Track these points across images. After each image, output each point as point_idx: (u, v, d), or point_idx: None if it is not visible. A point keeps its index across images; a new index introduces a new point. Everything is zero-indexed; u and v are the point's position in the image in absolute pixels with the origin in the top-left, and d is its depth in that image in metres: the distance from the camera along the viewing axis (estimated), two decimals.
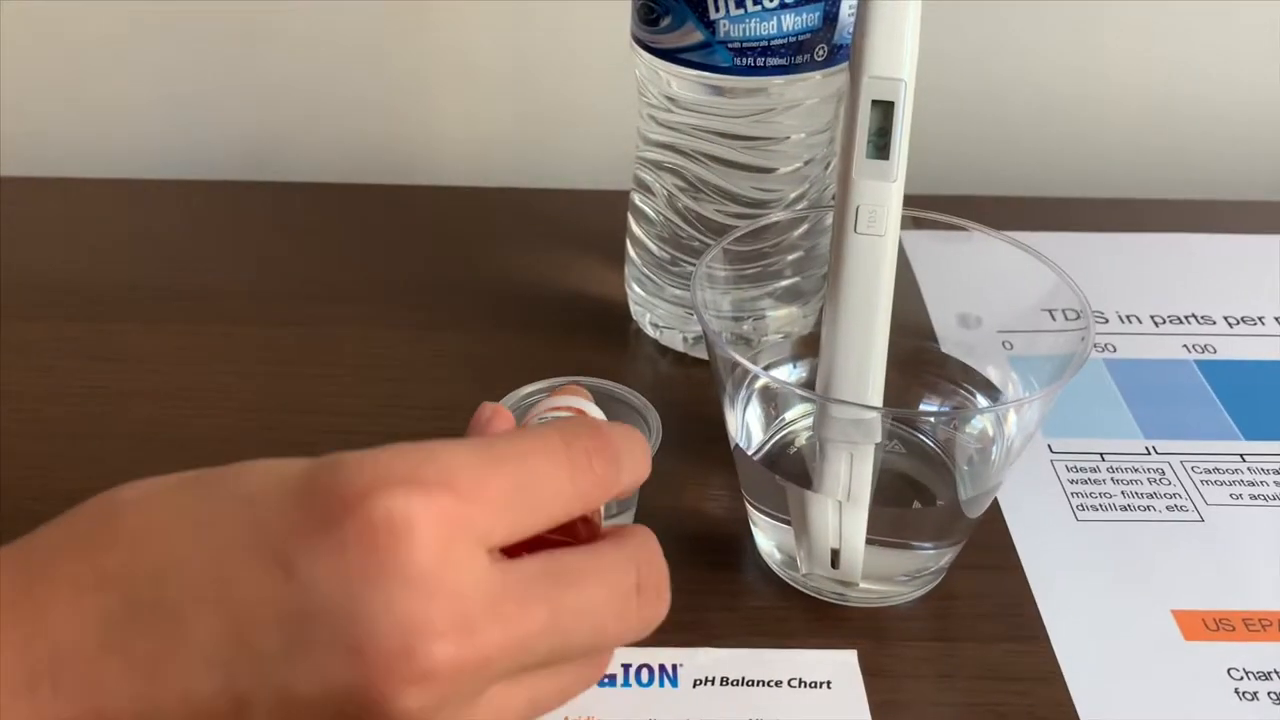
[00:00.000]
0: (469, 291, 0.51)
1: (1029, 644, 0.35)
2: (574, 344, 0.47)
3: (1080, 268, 0.38)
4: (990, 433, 0.38)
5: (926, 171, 0.45)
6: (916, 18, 0.32)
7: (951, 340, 0.41)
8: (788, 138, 0.43)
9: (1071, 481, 0.41)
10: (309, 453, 0.41)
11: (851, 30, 0.35)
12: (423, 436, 0.42)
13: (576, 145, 0.62)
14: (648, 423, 0.38)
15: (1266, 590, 0.37)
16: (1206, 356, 0.47)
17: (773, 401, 0.39)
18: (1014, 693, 0.34)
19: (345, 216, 0.56)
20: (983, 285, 0.41)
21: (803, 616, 0.36)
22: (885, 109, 0.32)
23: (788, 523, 0.36)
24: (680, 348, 0.47)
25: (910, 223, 0.38)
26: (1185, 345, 0.48)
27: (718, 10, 0.39)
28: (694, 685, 0.33)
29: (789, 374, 0.41)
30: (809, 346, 0.39)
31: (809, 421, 0.37)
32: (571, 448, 0.24)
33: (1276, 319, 0.50)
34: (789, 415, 0.39)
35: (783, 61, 0.40)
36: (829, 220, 0.34)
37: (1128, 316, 0.50)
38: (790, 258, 0.44)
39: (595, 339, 0.48)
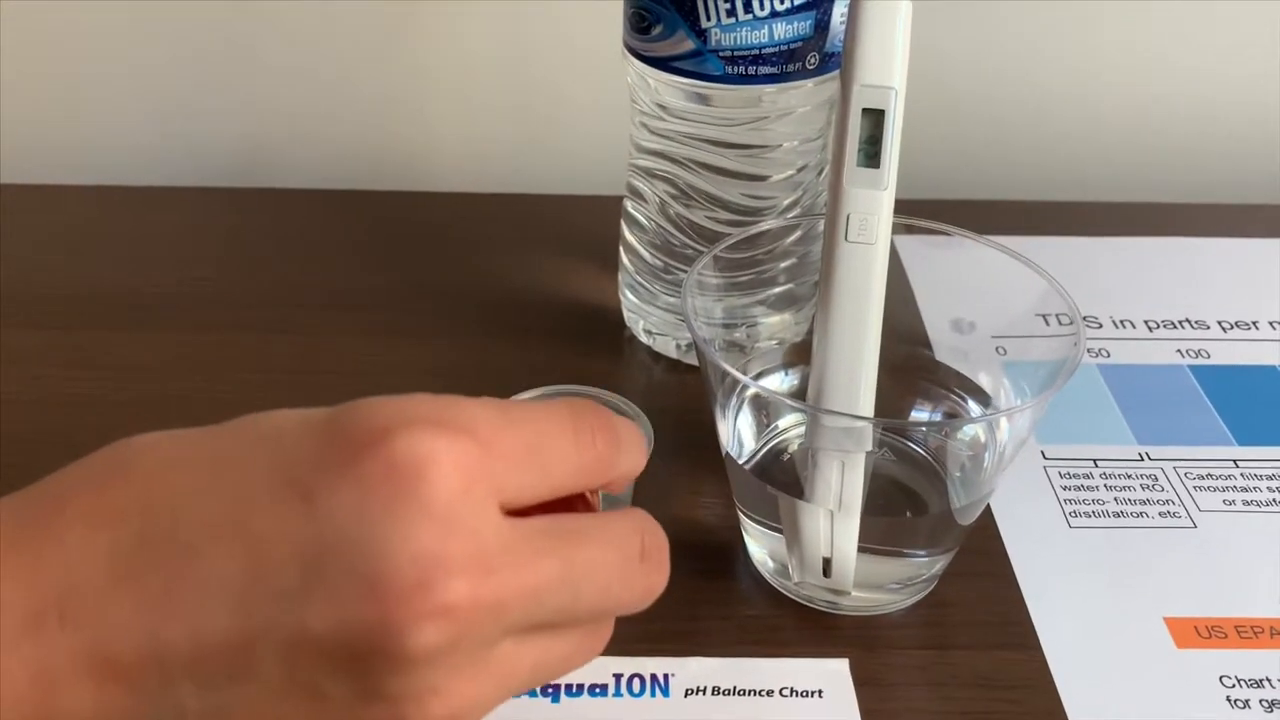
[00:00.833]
0: (463, 298, 0.51)
1: (1021, 651, 0.35)
2: (567, 351, 0.47)
3: (1074, 272, 0.38)
4: (982, 440, 0.37)
5: (919, 175, 0.45)
6: (907, 26, 0.32)
7: (945, 345, 0.41)
8: (780, 145, 0.43)
9: (1064, 488, 0.41)
10: None
11: (843, 38, 0.35)
12: None
13: (570, 151, 0.62)
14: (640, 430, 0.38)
15: (1259, 597, 0.37)
16: (1200, 361, 0.47)
17: (764, 410, 0.39)
18: (1006, 700, 0.34)
19: (340, 223, 0.56)
20: (976, 291, 0.41)
21: (795, 625, 0.36)
22: (876, 117, 0.32)
23: (780, 531, 0.36)
24: (673, 355, 0.47)
25: (903, 229, 0.38)
26: (1179, 350, 0.48)
27: (709, 19, 0.39)
28: (685, 695, 0.33)
29: (780, 382, 0.41)
30: (801, 354, 0.39)
31: (800, 430, 0.37)
32: (578, 422, 0.25)
33: (1271, 323, 0.50)
34: (781, 423, 0.39)
35: (774, 70, 0.40)
36: (821, 227, 0.34)
37: (1122, 321, 0.50)
38: (783, 265, 0.44)
39: (588, 346, 0.48)
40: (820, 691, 0.33)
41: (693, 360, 0.47)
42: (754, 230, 0.40)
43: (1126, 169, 0.63)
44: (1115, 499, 0.41)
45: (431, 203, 0.58)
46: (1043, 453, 0.43)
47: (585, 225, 0.54)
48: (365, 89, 0.61)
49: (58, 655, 0.21)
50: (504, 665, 0.23)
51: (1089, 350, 0.48)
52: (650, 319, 0.47)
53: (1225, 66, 0.60)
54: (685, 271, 0.42)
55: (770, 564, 0.37)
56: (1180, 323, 0.50)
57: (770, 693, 0.33)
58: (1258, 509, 0.40)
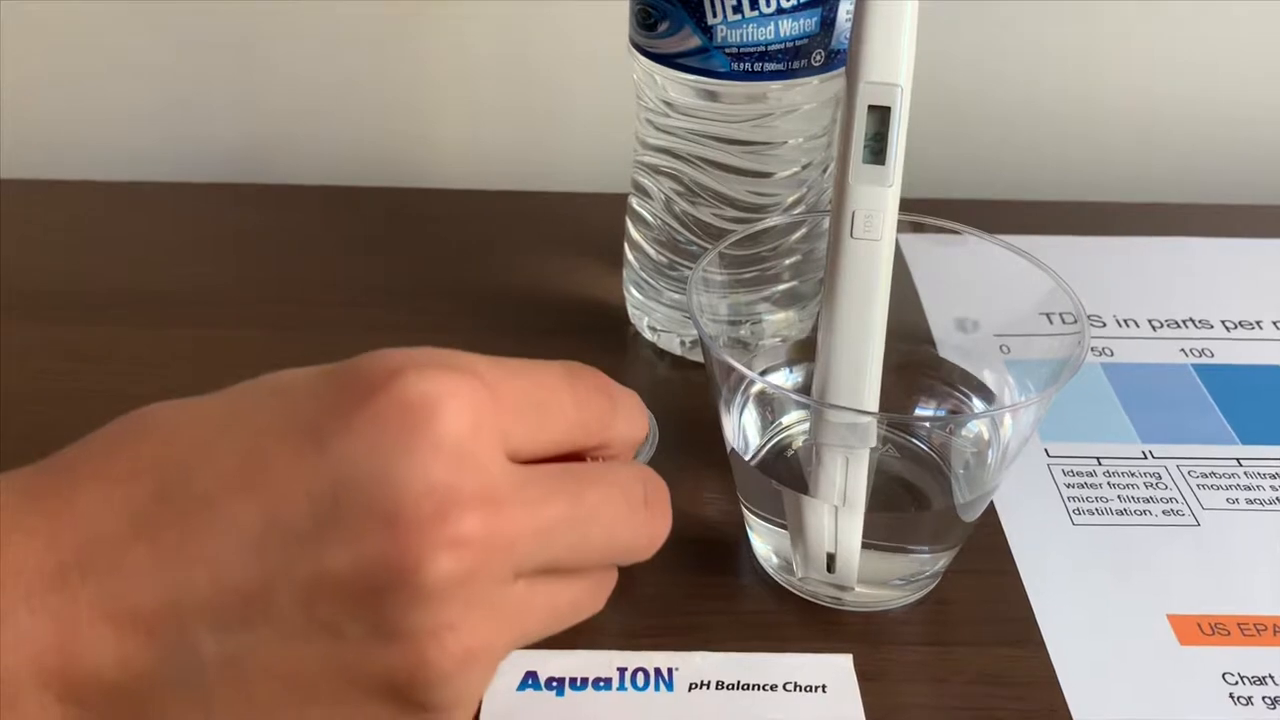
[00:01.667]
0: (466, 295, 0.51)
1: (1024, 648, 0.35)
2: (571, 347, 0.47)
3: (1078, 271, 0.38)
4: (986, 436, 0.38)
5: (924, 175, 0.45)
6: (913, 23, 0.32)
7: (949, 344, 0.41)
8: (785, 142, 0.43)
9: (1068, 485, 0.41)
10: None
11: (849, 35, 0.35)
12: None
13: (574, 149, 0.62)
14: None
15: (1262, 595, 0.37)
16: (1204, 361, 0.47)
17: (769, 406, 0.39)
18: (1009, 697, 0.34)
19: (344, 220, 0.56)
20: (980, 289, 0.41)
21: (798, 620, 0.36)
22: (882, 114, 0.32)
23: (784, 527, 0.36)
24: (678, 351, 0.47)
25: (908, 227, 0.38)
26: (1183, 349, 0.48)
27: (715, 15, 0.40)
28: (689, 689, 0.33)
29: (785, 378, 0.41)
30: (805, 351, 0.39)
31: (805, 426, 0.37)
32: (574, 380, 0.25)
33: (1274, 323, 0.50)
34: (785, 420, 0.39)
35: (780, 67, 0.40)
36: (826, 224, 0.34)
37: (1125, 320, 0.50)
38: (788, 262, 0.44)
39: (592, 342, 0.48)
40: (824, 686, 0.33)
41: (696, 357, 0.47)
42: (759, 227, 0.40)
43: (1131, 169, 0.63)
44: (1119, 497, 0.41)
45: (436, 199, 0.58)
46: (1046, 450, 0.43)
47: (590, 222, 0.54)
48: (370, 85, 0.61)
49: (79, 607, 0.21)
50: (517, 606, 0.23)
51: (1093, 349, 0.48)
52: (655, 316, 0.47)
53: (1232, 66, 0.60)
54: (689, 268, 0.42)
55: (774, 560, 0.37)
56: (1184, 322, 0.50)
57: (774, 687, 0.33)
58: (1261, 507, 0.40)
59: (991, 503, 0.40)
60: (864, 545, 0.35)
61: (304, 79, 0.61)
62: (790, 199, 0.44)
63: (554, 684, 0.33)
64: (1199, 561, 0.38)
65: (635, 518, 0.25)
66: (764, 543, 0.38)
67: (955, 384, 0.40)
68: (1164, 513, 0.40)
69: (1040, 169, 0.63)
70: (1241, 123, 0.62)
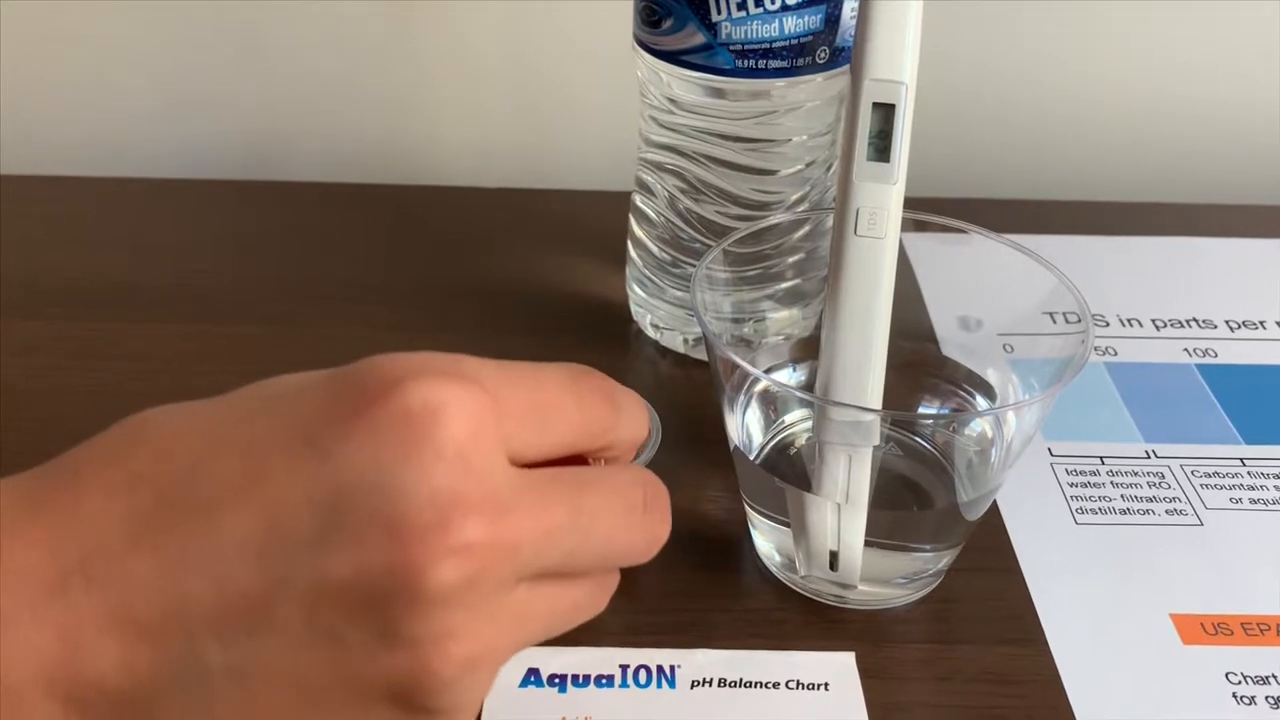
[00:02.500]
0: (468, 292, 0.51)
1: (1027, 647, 0.35)
2: (574, 345, 0.47)
3: (1082, 271, 0.38)
4: (989, 435, 0.38)
5: (927, 174, 0.45)
6: (918, 21, 0.32)
7: (952, 343, 0.41)
8: (789, 140, 0.43)
9: (1071, 485, 0.41)
10: None
11: (853, 33, 0.35)
12: None
13: (577, 146, 0.62)
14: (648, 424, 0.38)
15: (1265, 595, 0.37)
16: (1207, 360, 0.47)
17: (772, 404, 0.39)
18: (1012, 696, 0.34)
19: (345, 216, 0.56)
20: (984, 288, 0.41)
21: (801, 618, 0.36)
22: (886, 112, 0.32)
23: (787, 525, 0.36)
24: (680, 349, 0.47)
25: (911, 225, 0.38)
26: (1186, 349, 0.48)
27: (719, 12, 0.39)
28: (691, 686, 0.33)
29: (788, 376, 0.41)
30: (809, 349, 0.39)
31: (808, 424, 0.37)
32: (579, 384, 0.26)
33: (1278, 323, 0.50)
34: (788, 418, 0.39)
35: (784, 64, 0.40)
36: (830, 222, 0.34)
37: (1129, 320, 0.50)
38: (791, 260, 0.44)
39: (595, 340, 0.48)
40: (826, 684, 0.33)
41: (700, 355, 0.47)
42: (762, 224, 0.40)
43: (1134, 168, 0.63)
44: (1122, 496, 0.41)
45: (438, 197, 0.58)
46: (1050, 449, 0.43)
47: (593, 220, 0.54)
48: (372, 82, 0.61)
49: (83, 616, 0.21)
50: (519, 610, 0.24)
51: (1096, 348, 0.48)
52: (658, 313, 0.47)
53: (1235, 66, 0.60)
54: (693, 266, 0.42)
55: (777, 558, 0.37)
56: (1187, 322, 0.49)
57: (776, 685, 0.33)
58: (1264, 507, 0.40)
59: (994, 501, 0.40)
60: (867, 543, 0.35)
61: (305, 76, 0.60)
62: (794, 196, 0.44)
63: (556, 681, 0.33)
64: (1202, 561, 0.38)
65: (634, 521, 0.25)
66: (767, 540, 0.38)
67: (958, 382, 0.40)
68: (1167, 512, 0.40)
69: (1044, 168, 0.63)
70: (1245, 122, 0.61)
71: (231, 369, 0.46)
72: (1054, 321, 0.38)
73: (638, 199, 0.46)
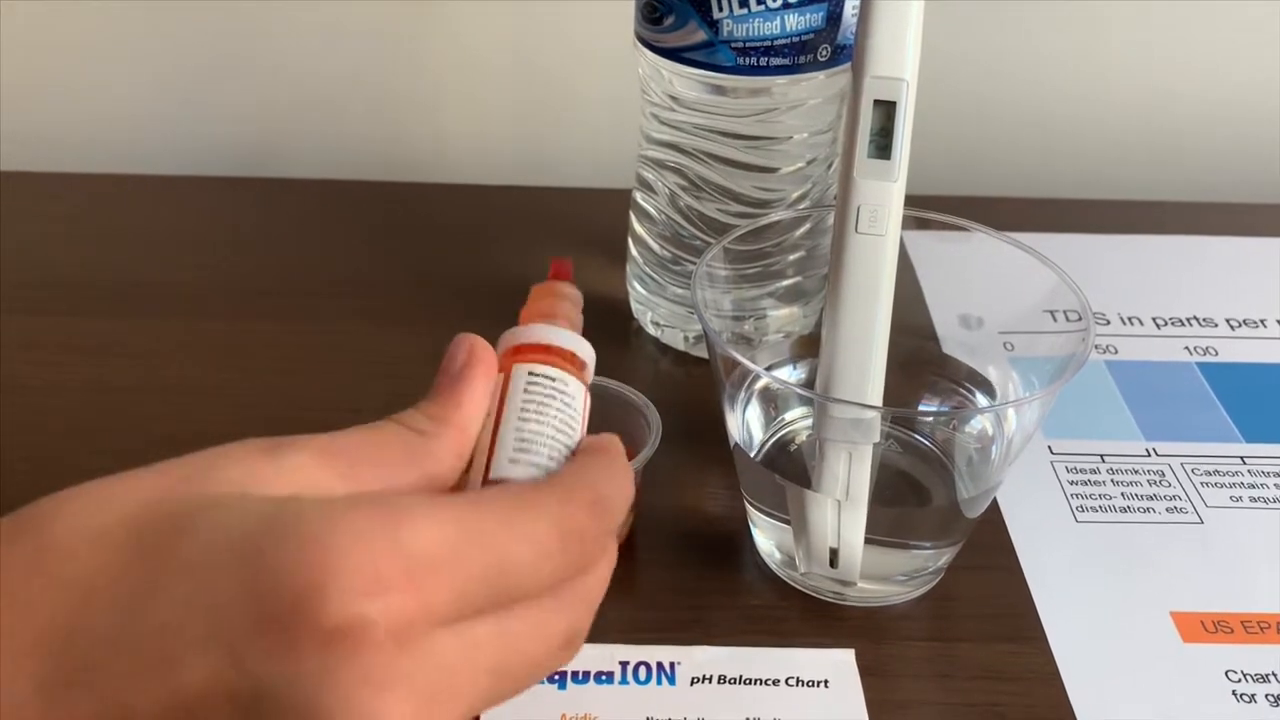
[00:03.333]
0: (469, 288, 0.51)
1: (1027, 644, 0.35)
2: None
3: (1082, 269, 0.38)
4: (990, 432, 0.38)
5: (928, 172, 0.45)
6: (919, 18, 0.32)
7: (953, 340, 0.41)
8: (790, 137, 0.43)
9: (1071, 483, 0.41)
10: None
11: (855, 30, 0.35)
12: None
13: (579, 143, 0.62)
14: (648, 421, 0.38)
15: (1265, 593, 0.37)
16: (1208, 359, 0.47)
17: (772, 401, 0.39)
18: (1012, 693, 0.34)
19: (347, 213, 0.56)
20: (984, 286, 0.41)
21: (801, 615, 0.36)
22: (887, 109, 0.32)
23: (787, 522, 0.36)
24: (681, 347, 0.47)
25: (912, 223, 0.38)
26: (1187, 347, 0.48)
27: (721, 9, 0.39)
28: (691, 683, 0.33)
29: (789, 374, 0.41)
30: (809, 346, 0.39)
31: (809, 421, 0.37)
32: (566, 542, 0.23)
33: (1278, 321, 0.50)
34: (789, 415, 0.39)
35: (786, 61, 0.40)
36: (831, 220, 0.34)
37: (1129, 318, 0.50)
38: (792, 257, 0.44)
39: (596, 337, 0.47)
40: (826, 681, 0.33)
41: (700, 352, 0.47)
42: (763, 222, 0.40)
43: (1135, 167, 0.63)
44: (1122, 494, 0.41)
45: (439, 194, 0.58)
46: (1050, 448, 0.43)
47: (593, 218, 0.54)
48: (374, 81, 0.61)
49: None
50: None
51: (1097, 347, 0.48)
52: (658, 311, 0.47)
53: (1235, 65, 0.60)
54: (694, 263, 0.42)
55: (777, 555, 0.37)
56: (1188, 320, 0.49)
57: (776, 682, 0.33)
58: (1264, 505, 0.40)
59: (995, 499, 0.40)
60: (867, 540, 0.35)
61: (307, 74, 0.60)
62: (795, 194, 0.44)
63: (555, 677, 0.33)
64: (1202, 559, 0.38)
65: (555, 660, 0.24)
66: (767, 538, 0.38)
67: (959, 380, 0.40)
68: (1167, 510, 0.40)
69: (1046, 166, 0.62)
70: (1246, 121, 0.61)
71: (233, 363, 0.47)
72: (1055, 320, 0.38)
73: (638, 196, 0.46)
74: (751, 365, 0.35)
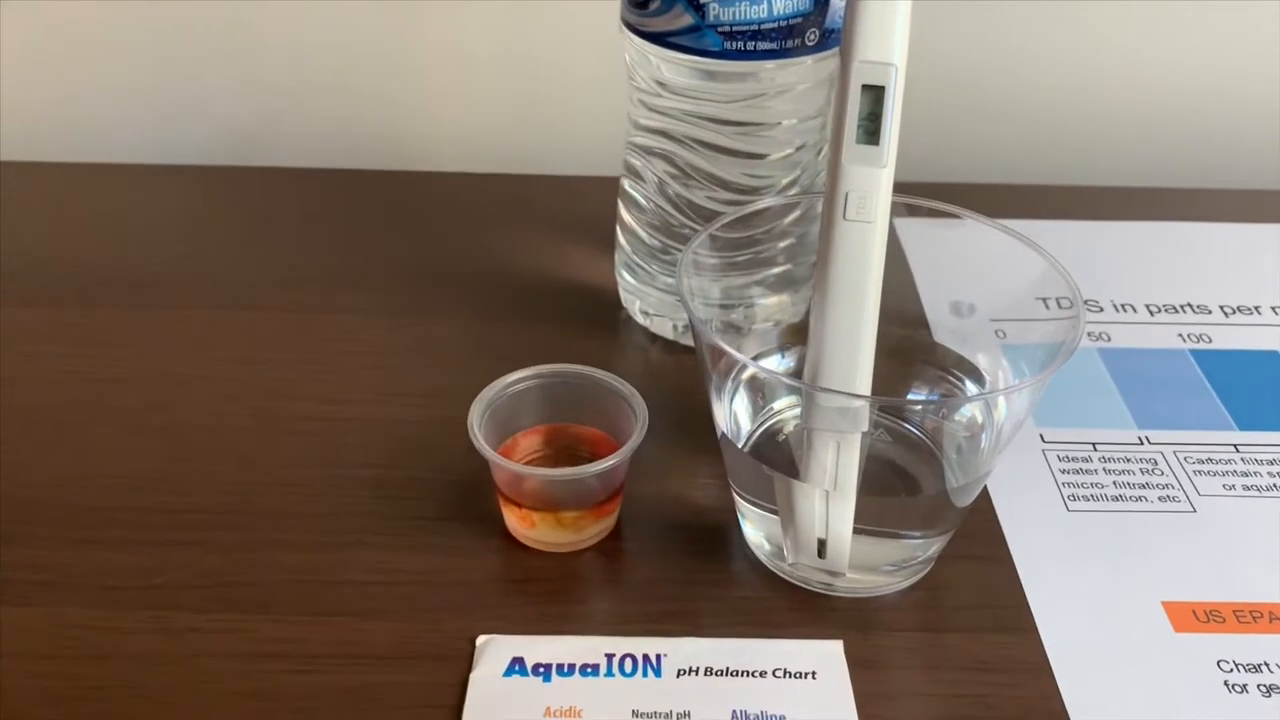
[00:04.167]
0: (457, 277, 0.50)
1: (1017, 635, 0.35)
2: (563, 331, 0.47)
3: (1075, 256, 0.38)
4: (980, 421, 0.37)
5: (918, 158, 0.45)
6: (908, 3, 0.31)
7: (944, 328, 0.41)
8: (779, 123, 0.42)
9: (1063, 471, 0.41)
10: (293, 440, 0.40)
11: (843, 14, 0.34)
12: (408, 423, 0.42)
13: (567, 131, 0.61)
14: (634, 410, 0.37)
15: (1258, 582, 0.37)
16: (1202, 346, 0.47)
17: (760, 391, 0.39)
18: (1001, 684, 0.33)
19: (334, 202, 0.56)
20: (976, 273, 0.40)
21: (789, 606, 0.36)
22: (876, 94, 0.32)
23: (775, 513, 0.35)
24: (670, 336, 0.47)
25: (903, 209, 0.38)
26: (1180, 335, 0.48)
27: None
28: (678, 675, 0.33)
29: (777, 363, 0.41)
30: (797, 335, 0.39)
31: (796, 411, 0.37)
32: None
33: (1273, 309, 0.49)
34: (777, 405, 0.39)
35: (773, 46, 0.40)
36: (820, 207, 0.34)
37: (1122, 305, 0.49)
38: (781, 245, 0.43)
39: (584, 326, 0.48)
40: (814, 673, 0.33)
41: (689, 341, 0.46)
42: (750, 209, 0.40)
43: (1129, 153, 0.62)
44: (1114, 483, 0.40)
45: (427, 183, 0.57)
46: (1041, 436, 0.42)
47: (581, 206, 0.53)
48: (362, 69, 0.60)
49: None
50: None
51: (1089, 334, 0.47)
52: (648, 300, 0.47)
53: (1229, 52, 0.60)
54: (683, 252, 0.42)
55: (766, 546, 0.37)
56: (1182, 307, 0.49)
57: (763, 674, 0.33)
58: (1258, 494, 0.40)
59: (985, 489, 0.39)
60: (855, 530, 0.34)
61: (295, 64, 0.60)
62: (785, 181, 0.43)
63: (541, 670, 0.33)
64: (1195, 548, 0.38)
65: None
66: (755, 529, 0.37)
67: (949, 369, 0.40)
68: (1160, 499, 0.40)
69: (1038, 153, 0.62)
70: (1241, 108, 0.61)
71: (222, 353, 0.46)
72: (1047, 307, 0.37)
73: (626, 184, 0.46)
74: (737, 354, 0.35)
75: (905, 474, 0.37)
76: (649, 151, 0.44)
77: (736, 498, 0.38)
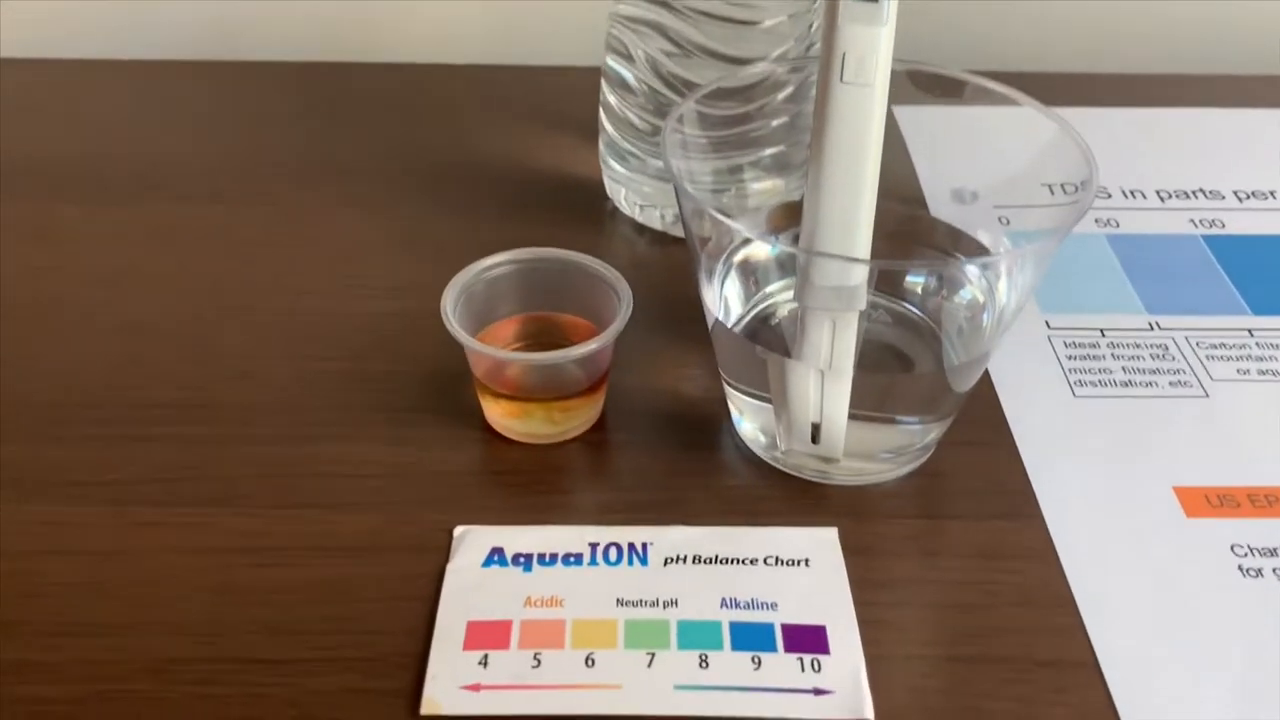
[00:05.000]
0: (431, 170, 0.48)
1: (1020, 521, 0.33)
2: (545, 223, 0.45)
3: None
4: (981, 300, 0.35)
5: (921, 44, 0.42)
6: None
7: (946, 213, 0.39)
8: None
9: (1069, 358, 0.39)
10: (256, 333, 0.38)
11: None
12: (380, 315, 0.40)
13: (547, 21, 0.58)
14: (618, 294, 0.35)
15: (1273, 465, 0.35)
16: (1214, 231, 0.45)
17: (752, 274, 0.37)
18: (1004, 570, 0.32)
19: (311, 95, 0.53)
20: (979, 156, 0.38)
21: (782, 495, 0.34)
22: None
23: (768, 400, 0.34)
24: (658, 226, 0.45)
25: (903, 78, 0.35)
26: (1192, 220, 0.45)
27: None
28: (664, 564, 0.31)
29: (769, 250, 0.38)
30: (790, 216, 0.36)
31: (790, 294, 0.35)
32: None
33: None
34: (769, 288, 0.37)
35: None
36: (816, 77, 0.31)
37: (1132, 192, 0.47)
38: (775, 123, 0.41)
39: (567, 218, 0.45)
40: (807, 560, 0.32)
41: (678, 232, 0.44)
42: (740, 77, 0.37)
43: (1138, 39, 0.59)
44: (1123, 368, 0.38)
45: (406, 75, 0.55)
46: (1047, 322, 0.40)
47: (560, 97, 0.51)
48: None
49: None
50: None
51: (1098, 220, 0.45)
52: (642, 189, 0.44)
53: None
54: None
55: (762, 438, 0.35)
56: (1194, 193, 0.47)
57: (754, 561, 0.31)
58: (1273, 378, 0.38)
59: (988, 375, 0.37)
60: (851, 415, 0.33)
61: None
62: (777, 52, 0.41)
63: (521, 560, 0.31)
64: (1207, 433, 0.36)
65: None
66: (747, 419, 0.36)
67: (949, 249, 0.37)
68: (1171, 384, 0.38)
69: (1045, 38, 0.59)
70: None
71: (194, 248, 0.44)
72: (1052, 193, 0.35)
73: (612, 63, 0.43)
74: (729, 221, 0.32)
75: (903, 355, 0.36)
76: (638, 22, 0.41)
77: (727, 388, 0.36)
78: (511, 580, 0.31)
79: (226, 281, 0.42)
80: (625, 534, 0.32)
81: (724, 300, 0.36)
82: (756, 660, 0.29)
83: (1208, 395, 0.37)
